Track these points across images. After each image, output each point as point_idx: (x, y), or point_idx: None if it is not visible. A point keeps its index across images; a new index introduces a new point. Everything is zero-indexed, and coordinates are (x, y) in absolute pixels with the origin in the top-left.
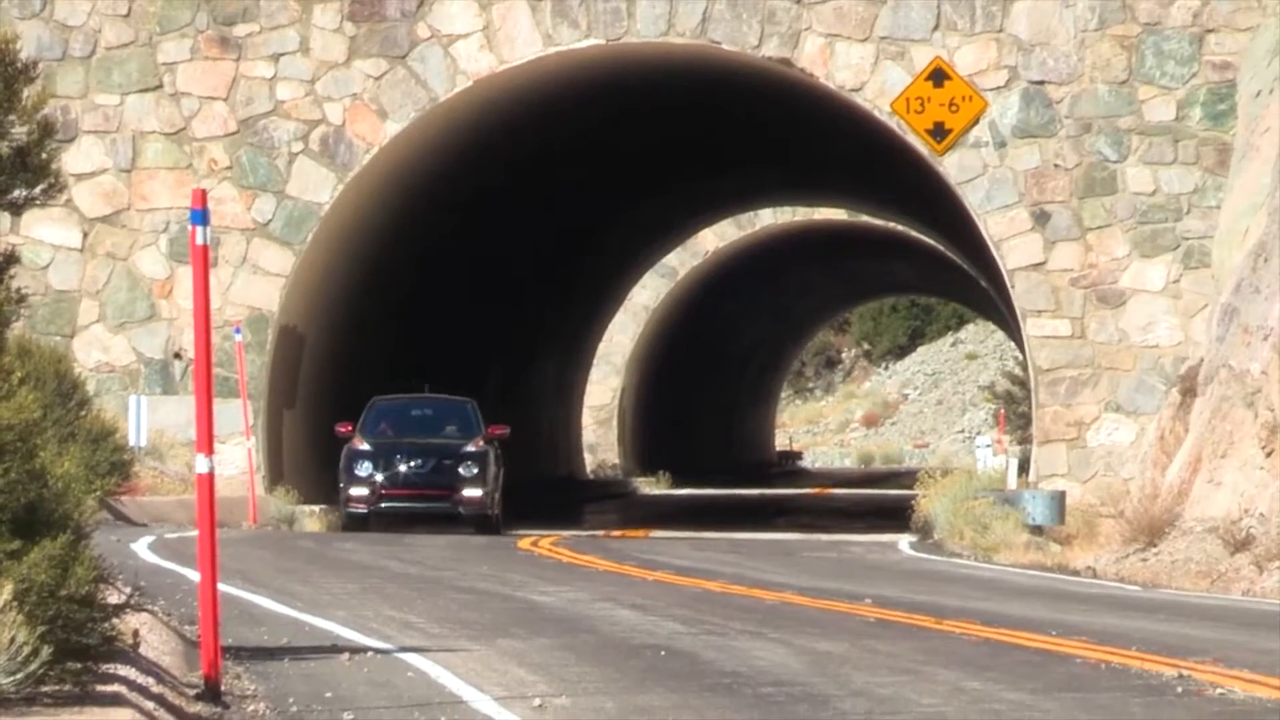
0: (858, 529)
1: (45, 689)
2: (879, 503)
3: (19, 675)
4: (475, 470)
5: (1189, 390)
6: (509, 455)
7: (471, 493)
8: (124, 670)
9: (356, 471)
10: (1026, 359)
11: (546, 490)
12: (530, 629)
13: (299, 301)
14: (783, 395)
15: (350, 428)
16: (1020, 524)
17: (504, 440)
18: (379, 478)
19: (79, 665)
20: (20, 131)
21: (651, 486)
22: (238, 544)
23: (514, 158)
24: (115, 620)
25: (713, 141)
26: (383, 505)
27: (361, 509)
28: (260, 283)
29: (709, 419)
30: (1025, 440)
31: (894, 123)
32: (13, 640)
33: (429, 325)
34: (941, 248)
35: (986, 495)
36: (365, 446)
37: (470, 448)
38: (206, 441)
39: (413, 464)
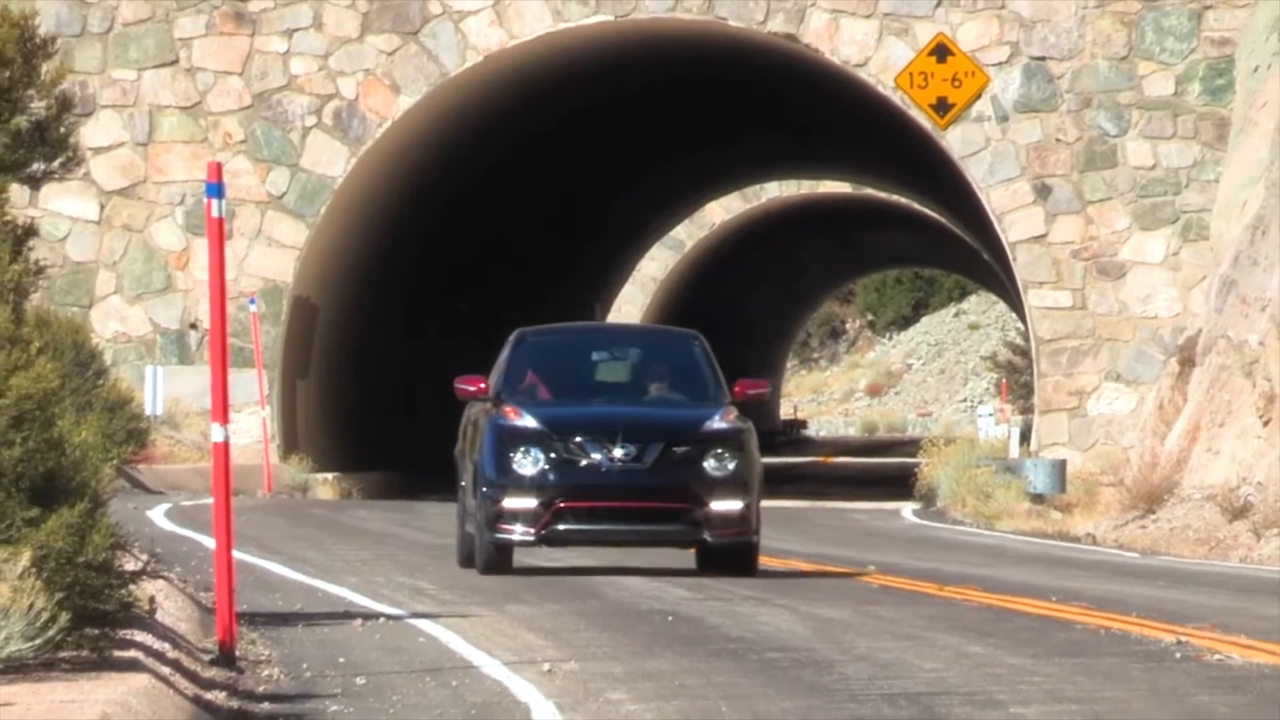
0: (862, 497)
1: (63, 654)
2: (883, 471)
3: (37, 641)
4: (731, 465)
5: (1188, 360)
6: None
7: (726, 505)
8: (141, 636)
9: (516, 467)
10: (1028, 329)
11: None
12: (539, 595)
13: (312, 273)
14: (788, 365)
15: (482, 384)
16: (1022, 492)
17: (759, 405)
18: (554, 477)
19: (96, 631)
20: (39, 106)
21: None
22: (252, 511)
23: (524, 131)
24: (132, 587)
25: (719, 116)
26: (561, 527)
27: (523, 533)
28: (274, 254)
29: None
30: (1027, 409)
31: (897, 97)
32: (31, 606)
33: (441, 295)
34: (944, 220)
35: (988, 464)
36: (528, 421)
37: (718, 422)
38: (222, 411)
39: (618, 453)
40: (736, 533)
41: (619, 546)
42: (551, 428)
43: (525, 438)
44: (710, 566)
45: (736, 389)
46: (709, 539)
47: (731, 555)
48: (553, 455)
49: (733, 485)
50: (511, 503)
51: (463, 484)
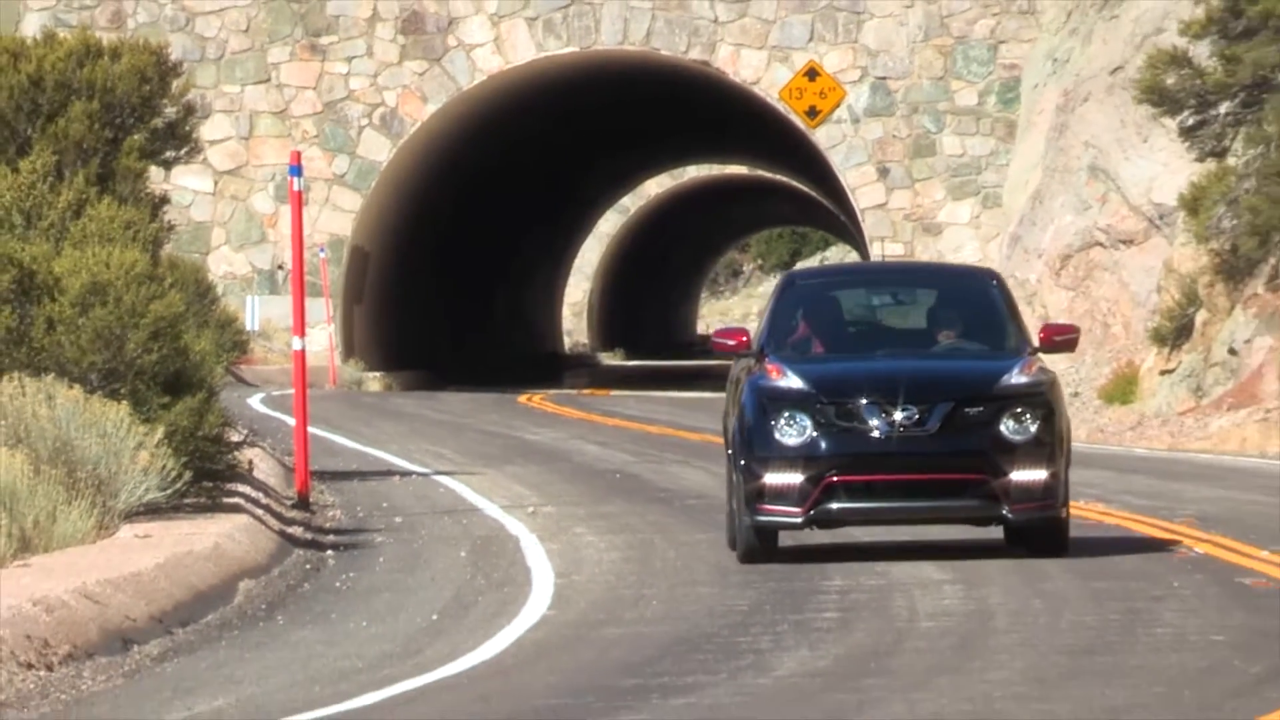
0: None
1: (186, 501)
2: None
3: (168, 491)
4: (1034, 427)
5: None
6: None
7: (1029, 475)
8: (242, 488)
9: (779, 436)
10: None
11: (537, 362)
12: (526, 459)
13: (365, 229)
14: (702, 295)
15: (744, 337)
16: None
17: (1070, 347)
18: (824, 446)
19: (210, 485)
20: (170, 111)
21: (611, 359)
22: (321, 400)
23: (518, 129)
24: (236, 453)
25: (655, 118)
26: (834, 506)
27: (789, 514)
28: (338, 217)
29: (651, 310)
30: None
31: (781, 106)
32: (164, 467)
33: (456, 246)
34: (814, 193)
35: None
36: (793, 381)
37: (1017, 376)
38: (300, 327)
39: (899, 416)
40: (1040, 506)
41: (901, 525)
42: (820, 388)
43: (789, 401)
44: (1019, 544)
45: (1042, 334)
46: (1009, 515)
47: (1035, 533)
48: (821, 421)
49: (1035, 451)
50: (774, 478)
51: (729, 452)
